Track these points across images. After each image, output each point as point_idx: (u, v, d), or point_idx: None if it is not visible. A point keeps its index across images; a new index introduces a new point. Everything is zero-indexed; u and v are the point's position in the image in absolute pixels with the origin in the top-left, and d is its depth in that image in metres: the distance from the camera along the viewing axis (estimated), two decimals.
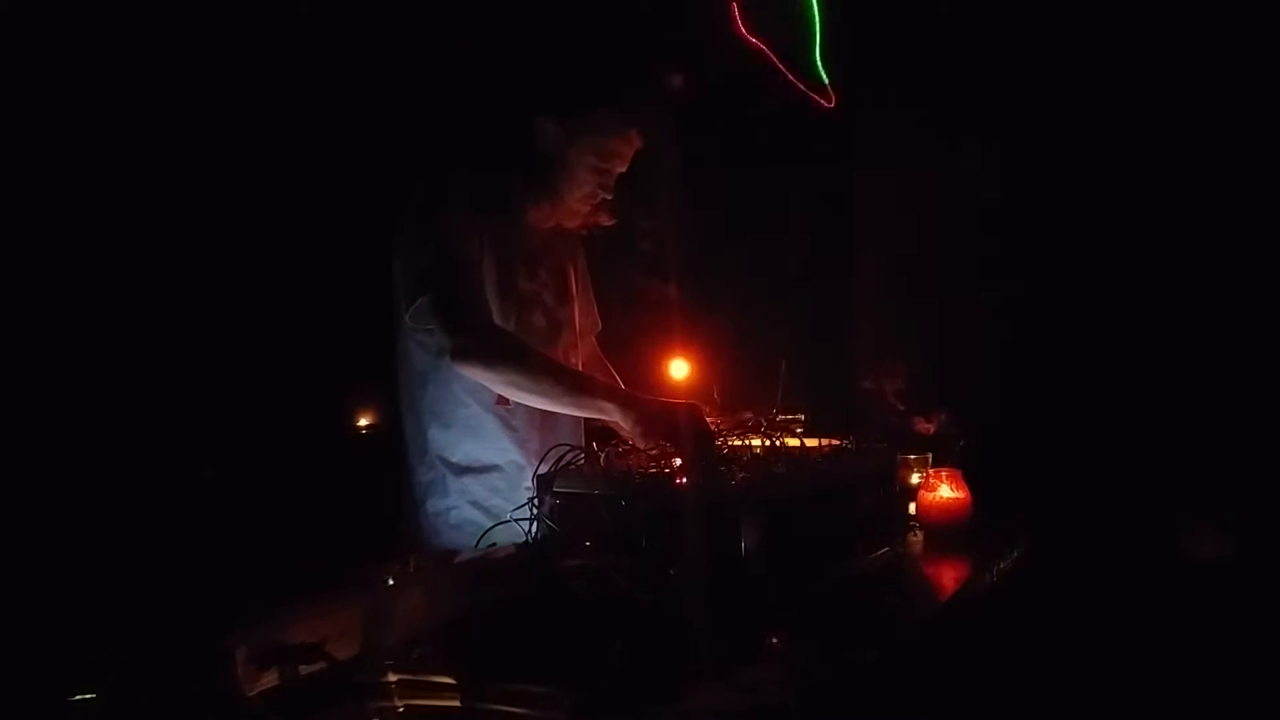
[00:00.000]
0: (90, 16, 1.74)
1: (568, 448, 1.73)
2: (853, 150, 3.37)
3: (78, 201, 1.81)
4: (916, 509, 2.11)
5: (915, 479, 2.25)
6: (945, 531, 2.06)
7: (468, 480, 2.05)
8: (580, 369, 2.26)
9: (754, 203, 3.37)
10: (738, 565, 1.47)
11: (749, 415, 2.75)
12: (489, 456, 2.05)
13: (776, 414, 2.74)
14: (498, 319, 2.03)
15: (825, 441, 2.08)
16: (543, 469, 1.73)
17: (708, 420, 1.92)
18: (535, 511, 1.64)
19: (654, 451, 1.82)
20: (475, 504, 2.03)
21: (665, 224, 3.26)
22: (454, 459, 2.06)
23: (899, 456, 2.34)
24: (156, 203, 1.94)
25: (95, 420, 1.78)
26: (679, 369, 2.74)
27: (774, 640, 1.34)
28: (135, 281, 1.89)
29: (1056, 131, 2.95)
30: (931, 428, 2.48)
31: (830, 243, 3.41)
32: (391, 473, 2.09)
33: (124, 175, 1.86)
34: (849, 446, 1.97)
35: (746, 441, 1.93)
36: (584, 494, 1.64)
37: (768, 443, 1.89)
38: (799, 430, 2.60)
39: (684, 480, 1.65)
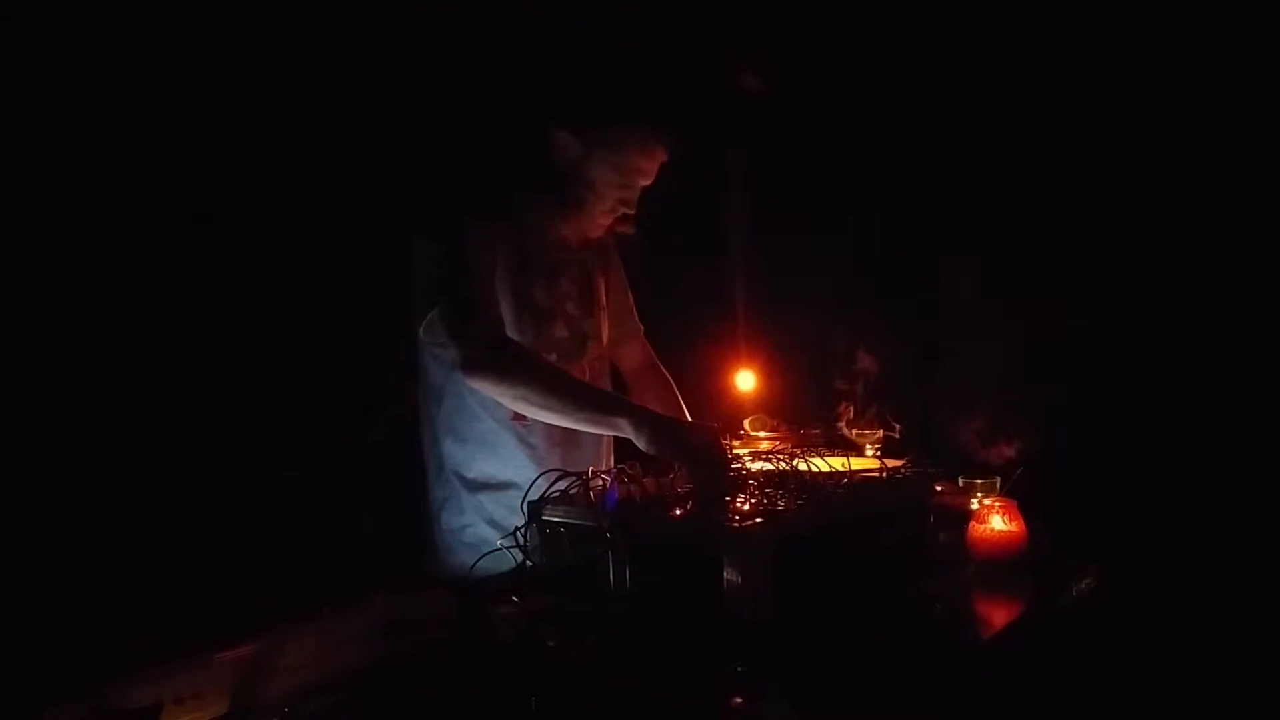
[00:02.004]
0: (99, 28, 1.75)
1: (559, 472, 1.63)
2: (938, 163, 3.14)
3: (92, 210, 1.84)
4: (967, 542, 1.91)
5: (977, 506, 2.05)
6: (997, 567, 1.86)
7: (483, 497, 1.99)
8: (606, 380, 2.18)
9: (833, 211, 3.20)
10: (712, 611, 1.34)
11: (816, 431, 2.61)
12: (505, 473, 1.99)
13: (855, 431, 2.59)
14: (515, 332, 1.97)
15: (887, 463, 1.93)
16: (536, 493, 1.64)
17: (724, 442, 1.79)
18: (520, 540, 1.55)
19: (670, 477, 1.72)
20: (491, 522, 1.97)
21: (734, 230, 3.14)
22: (469, 475, 2.00)
23: (962, 480, 2.15)
24: (179, 212, 1.95)
25: (106, 422, 1.80)
26: (741, 381, 2.63)
27: (737, 700, 1.21)
28: (146, 289, 1.90)
29: (1154, 143, 2.64)
30: (867, 432, 2.26)
31: (916, 254, 3.19)
32: (408, 488, 2.05)
33: (139, 185, 1.87)
34: (887, 472, 1.80)
35: (776, 466, 1.79)
36: (569, 523, 1.55)
37: (799, 466, 1.76)
38: (877, 448, 2.44)
39: (677, 512, 1.53)
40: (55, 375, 1.68)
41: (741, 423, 2.50)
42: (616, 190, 1.96)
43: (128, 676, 0.87)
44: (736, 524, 1.42)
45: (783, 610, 1.40)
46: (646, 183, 1.99)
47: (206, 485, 1.97)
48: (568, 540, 1.52)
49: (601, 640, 1.16)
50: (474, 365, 1.83)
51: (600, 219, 2.02)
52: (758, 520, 1.43)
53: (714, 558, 1.37)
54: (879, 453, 2.41)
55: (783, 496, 1.57)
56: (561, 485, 1.63)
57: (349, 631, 1.04)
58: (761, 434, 2.49)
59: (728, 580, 1.37)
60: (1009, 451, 2.09)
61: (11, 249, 1.75)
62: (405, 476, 2.05)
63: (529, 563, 1.48)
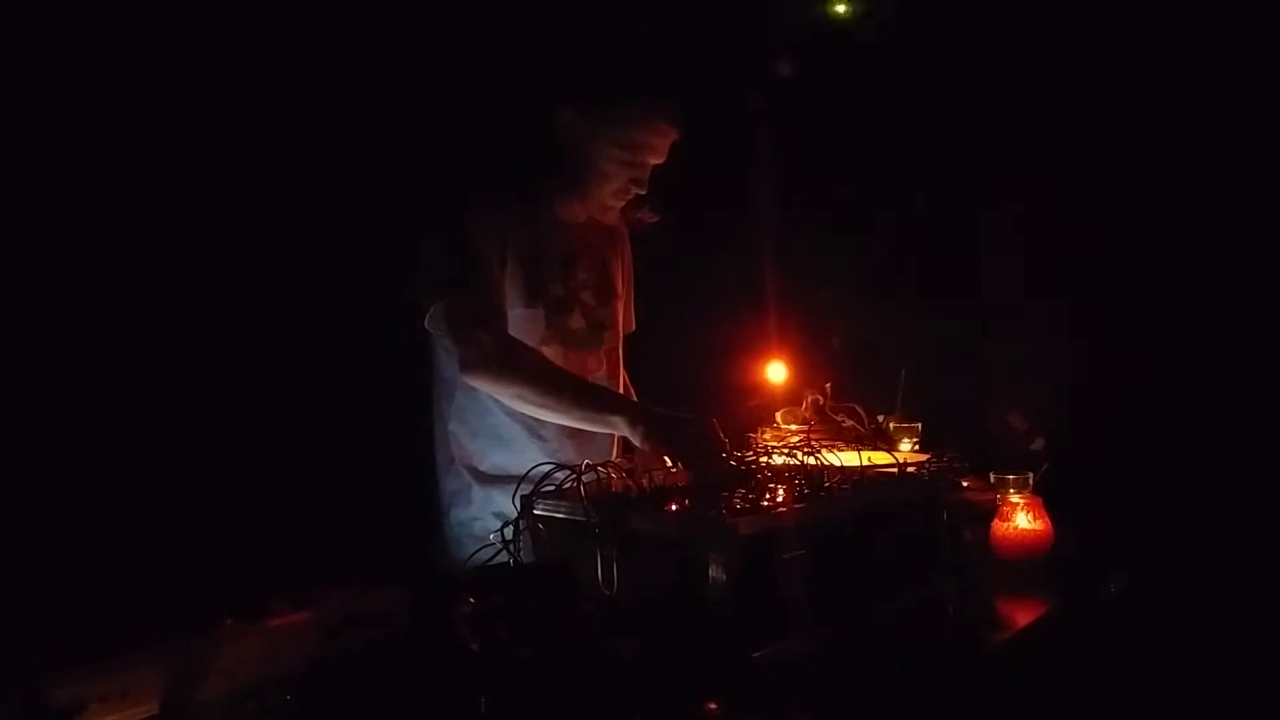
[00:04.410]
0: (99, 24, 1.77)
1: (553, 465, 1.59)
2: (983, 145, 3.01)
3: (100, 208, 1.86)
4: (990, 540, 1.83)
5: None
6: (1021, 567, 1.77)
7: (494, 491, 1.97)
8: (621, 368, 2.15)
9: (876, 199, 3.10)
10: (691, 612, 1.29)
11: (849, 422, 2.53)
12: (517, 467, 1.93)
13: (889, 422, 2.50)
14: (529, 324, 1.95)
15: (906, 458, 1.86)
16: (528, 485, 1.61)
17: (720, 435, 1.73)
18: (504, 536, 1.52)
19: (667, 469, 1.68)
20: (500, 515, 1.93)
21: (769, 219, 3.07)
22: (481, 468, 1.99)
23: (994, 476, 2.05)
24: (187, 205, 1.96)
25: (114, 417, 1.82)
26: (773, 373, 2.56)
27: (711, 706, 1.15)
28: (162, 280, 1.92)
29: (1220, 124, 2.48)
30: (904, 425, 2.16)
31: (961, 243, 3.07)
32: (418, 480, 2.04)
33: (147, 178, 1.89)
34: (901, 468, 1.72)
35: (790, 460, 1.73)
36: (559, 518, 1.51)
37: (807, 459, 1.69)
38: (915, 443, 2.35)
39: (671, 507, 1.48)
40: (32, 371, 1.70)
41: (774, 415, 2.45)
42: (625, 169, 1.91)
43: (52, 672, 0.86)
44: (723, 519, 1.36)
45: (772, 608, 1.35)
46: (656, 161, 1.94)
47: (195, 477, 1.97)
48: (558, 535, 1.48)
49: (565, 639, 1.12)
50: (472, 364, 1.83)
51: (610, 200, 1.97)
52: (747, 515, 1.38)
53: (699, 553, 1.32)
54: (916, 446, 2.33)
55: (784, 492, 1.51)
56: (558, 478, 1.59)
57: (295, 629, 1.01)
58: (793, 426, 2.43)
59: (712, 577, 1.32)
60: (1039, 443, 1.99)
61: (46, 243, 1.78)
62: (416, 468, 2.03)
63: (510, 559, 1.45)
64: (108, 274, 1.80)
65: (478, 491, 1.98)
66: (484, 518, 1.96)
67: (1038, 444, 2.09)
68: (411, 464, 2.04)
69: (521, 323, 1.94)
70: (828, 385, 2.08)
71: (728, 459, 1.67)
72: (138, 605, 1.18)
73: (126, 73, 1.84)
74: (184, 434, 1.86)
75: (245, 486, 1.89)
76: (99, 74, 1.81)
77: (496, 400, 1.94)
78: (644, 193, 1.97)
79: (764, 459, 1.73)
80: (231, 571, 1.65)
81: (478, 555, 1.60)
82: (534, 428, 1.97)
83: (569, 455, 1.92)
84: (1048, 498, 1.80)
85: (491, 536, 1.59)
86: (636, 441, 1.72)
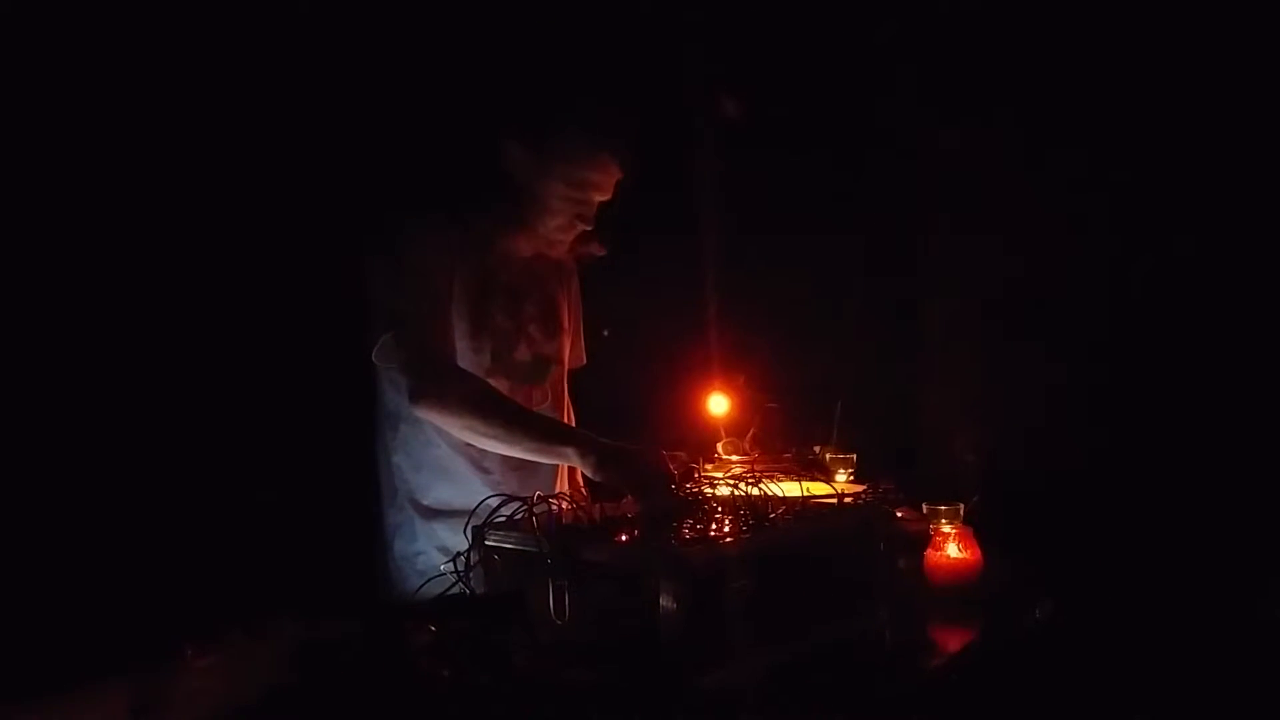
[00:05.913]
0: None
1: (505, 497, 1.61)
2: (926, 162, 3.11)
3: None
4: (923, 569, 1.90)
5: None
6: (952, 595, 1.84)
7: (437, 524, 1.97)
8: (565, 401, 2.17)
9: (809, 219, 3.17)
10: (642, 640, 1.32)
11: (788, 455, 2.59)
12: (461, 500, 1.94)
13: (825, 454, 2.56)
14: (474, 354, 1.96)
15: (844, 489, 1.92)
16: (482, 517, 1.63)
17: (670, 466, 1.77)
18: (457, 566, 1.54)
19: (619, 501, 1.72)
20: (444, 549, 1.93)
21: (710, 247, 3.12)
22: (424, 501, 1.99)
23: (926, 507, 2.13)
24: (117, 236, 1.94)
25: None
26: (714, 404, 2.61)
27: None
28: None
29: (1187, 141, 2.59)
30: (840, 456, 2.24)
31: (898, 274, 3.16)
32: (362, 512, 2.03)
33: (112, 188, 1.87)
34: (840, 498, 1.78)
35: (733, 490, 1.77)
36: (510, 549, 1.53)
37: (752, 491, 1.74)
38: (850, 474, 2.41)
39: (621, 537, 1.51)
40: None
41: (714, 446, 2.50)
42: (570, 205, 1.93)
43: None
44: (675, 549, 1.40)
45: (719, 635, 1.39)
46: (602, 197, 1.96)
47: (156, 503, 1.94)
48: (509, 566, 1.50)
49: (522, 669, 1.14)
50: (421, 395, 1.82)
51: (556, 235, 1.99)
52: (697, 546, 1.42)
53: (649, 583, 1.36)
54: (851, 478, 2.40)
55: (729, 522, 1.56)
56: (508, 510, 1.61)
57: (245, 662, 1.02)
58: (734, 457, 2.48)
59: (663, 606, 1.35)
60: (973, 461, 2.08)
61: None
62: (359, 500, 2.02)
63: (466, 589, 1.46)
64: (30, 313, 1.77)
65: (421, 525, 1.98)
66: (428, 552, 1.96)
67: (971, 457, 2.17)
68: (360, 495, 2.03)
69: (467, 355, 1.96)
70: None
71: (676, 490, 1.71)
72: (81, 639, 1.18)
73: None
74: (127, 463, 1.83)
75: (190, 516, 1.87)
76: None
77: (440, 433, 1.95)
78: (590, 228, 2.00)
79: (709, 490, 1.77)
80: (178, 602, 1.64)
81: (429, 587, 1.62)
82: (478, 460, 1.98)
83: (513, 488, 1.92)
84: (977, 527, 1.87)
85: (442, 567, 1.60)
86: (588, 472, 1.75)
